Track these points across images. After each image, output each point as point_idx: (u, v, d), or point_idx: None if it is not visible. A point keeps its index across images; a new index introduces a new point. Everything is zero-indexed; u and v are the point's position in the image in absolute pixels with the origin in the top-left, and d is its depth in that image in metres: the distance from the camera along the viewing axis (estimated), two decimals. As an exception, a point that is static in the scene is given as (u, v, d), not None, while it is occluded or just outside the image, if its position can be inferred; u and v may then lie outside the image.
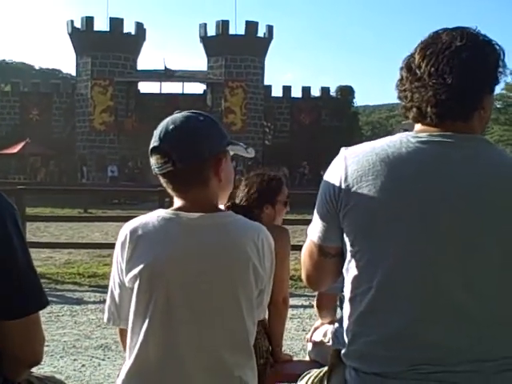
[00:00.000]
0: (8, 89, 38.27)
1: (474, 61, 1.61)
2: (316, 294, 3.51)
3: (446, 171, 1.58)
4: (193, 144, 1.75)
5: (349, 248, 1.66)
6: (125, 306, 1.80)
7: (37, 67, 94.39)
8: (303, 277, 1.88)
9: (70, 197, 18.29)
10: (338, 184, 1.65)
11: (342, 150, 1.72)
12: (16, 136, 33.52)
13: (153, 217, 1.78)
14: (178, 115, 1.81)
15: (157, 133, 1.78)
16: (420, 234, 1.57)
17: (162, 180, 1.80)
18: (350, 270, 1.67)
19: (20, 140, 33.09)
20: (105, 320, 1.90)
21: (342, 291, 3.43)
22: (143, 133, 33.61)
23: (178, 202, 1.81)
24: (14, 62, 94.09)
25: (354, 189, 1.62)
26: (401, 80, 1.70)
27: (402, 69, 1.70)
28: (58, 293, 8.17)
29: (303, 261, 1.84)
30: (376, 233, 1.60)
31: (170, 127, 1.76)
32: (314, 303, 3.49)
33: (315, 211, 1.75)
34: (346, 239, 1.67)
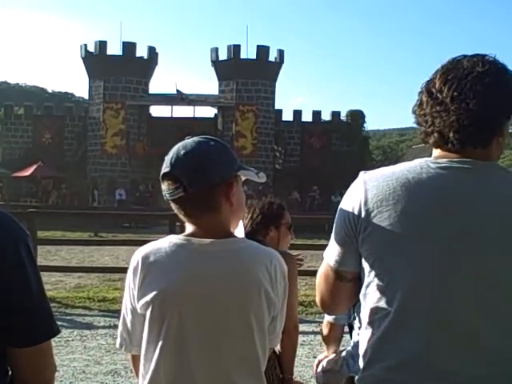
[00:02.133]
0: (21, 112, 38.57)
1: (496, 87, 1.62)
2: (324, 321, 3.50)
3: (466, 197, 1.59)
4: (204, 169, 1.76)
5: (367, 273, 1.66)
6: (137, 332, 1.80)
7: (50, 90, 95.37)
8: (317, 300, 1.88)
9: (81, 220, 18.36)
10: (357, 208, 1.65)
11: (361, 173, 1.72)
12: (28, 159, 33.74)
13: (165, 243, 1.78)
14: (188, 141, 1.81)
15: (168, 158, 1.79)
16: (438, 259, 1.57)
17: (174, 206, 1.81)
18: (368, 295, 1.67)
19: (32, 163, 33.27)
20: (117, 345, 1.91)
21: (349, 321, 3.41)
22: (154, 156, 33.76)
23: (189, 228, 1.81)
24: (27, 86, 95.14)
25: (374, 213, 1.62)
26: (420, 104, 1.70)
27: (421, 93, 1.70)
28: (68, 317, 8.18)
29: (318, 284, 1.84)
30: (395, 258, 1.61)
31: (181, 153, 1.76)
32: (322, 332, 3.48)
33: (332, 235, 1.75)
34: (365, 264, 1.67)
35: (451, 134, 1.61)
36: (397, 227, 1.59)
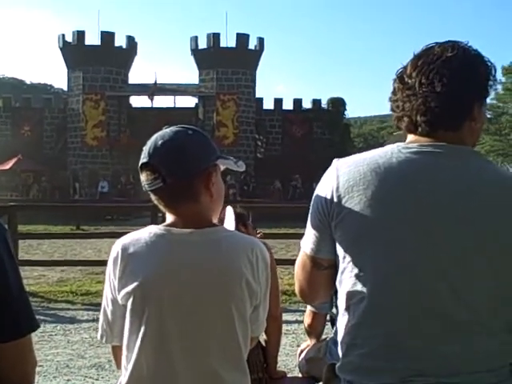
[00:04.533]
0: (-1, 104, 38.18)
1: (464, 70, 1.64)
2: (306, 311, 3.52)
3: (436, 181, 1.60)
4: (181, 159, 1.75)
5: (341, 259, 1.67)
6: (118, 323, 1.80)
7: (28, 82, 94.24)
8: (296, 290, 1.89)
9: (63, 213, 18.25)
10: (329, 194, 1.67)
11: (334, 161, 1.74)
12: (8, 152, 33.38)
13: (144, 233, 1.78)
14: (166, 130, 1.80)
15: (146, 149, 1.78)
16: (410, 243, 1.58)
17: (153, 196, 1.80)
18: (344, 281, 1.68)
19: (12, 156, 32.98)
20: (98, 337, 1.90)
21: (331, 309, 3.44)
22: (135, 147, 33.39)
23: (169, 218, 1.81)
24: (5, 77, 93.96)
25: (345, 199, 1.63)
26: (393, 91, 1.73)
27: (394, 80, 1.73)
28: (51, 312, 8.14)
29: (296, 273, 1.85)
30: (368, 243, 1.62)
31: (159, 143, 1.76)
32: (304, 322, 3.50)
33: (308, 223, 1.76)
34: (339, 250, 1.68)
35: (418, 117, 1.64)
36: (367, 212, 1.60)
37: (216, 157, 1.84)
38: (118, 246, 1.78)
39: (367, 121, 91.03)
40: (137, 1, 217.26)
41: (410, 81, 1.66)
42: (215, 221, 1.90)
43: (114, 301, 1.78)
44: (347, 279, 1.65)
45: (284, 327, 6.25)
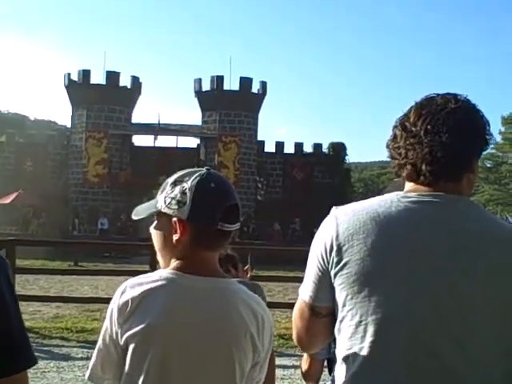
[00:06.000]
0: (3, 139, 38.34)
1: (467, 123, 1.67)
2: (304, 356, 3.50)
3: (435, 231, 1.60)
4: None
5: (340, 307, 1.66)
6: (113, 365, 1.76)
7: (32, 118, 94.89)
8: (294, 337, 1.88)
9: (61, 249, 18.20)
10: (329, 242, 1.67)
11: (333, 209, 1.74)
12: (10, 186, 33.42)
13: (154, 276, 1.75)
14: (216, 173, 1.86)
15: (224, 188, 1.82)
16: (409, 294, 1.57)
17: (211, 238, 1.79)
18: (342, 329, 1.67)
19: (13, 190, 33.01)
20: (86, 377, 1.84)
21: (329, 356, 3.41)
22: (137, 185, 33.83)
23: (181, 262, 1.77)
24: (9, 113, 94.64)
25: (345, 247, 1.64)
26: (394, 138, 1.74)
27: (395, 127, 1.74)
28: (45, 348, 8.04)
29: (294, 321, 1.83)
30: (367, 292, 1.61)
31: (233, 188, 1.87)
32: (302, 367, 3.48)
33: (306, 270, 1.76)
34: (338, 298, 1.67)
35: (424, 166, 1.65)
36: (368, 261, 1.60)
37: None
38: (126, 289, 1.75)
39: (367, 166, 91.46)
40: (143, 43, 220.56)
41: (414, 129, 1.68)
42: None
43: (114, 344, 1.75)
44: (346, 328, 1.65)
45: (280, 372, 6.21)
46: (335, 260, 1.65)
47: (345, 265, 1.63)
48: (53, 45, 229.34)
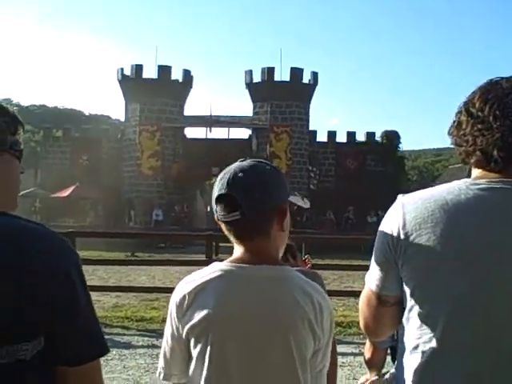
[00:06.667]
0: (59, 134, 39.28)
1: None
2: (366, 344, 3.48)
3: (506, 220, 1.55)
4: (262, 193, 1.73)
5: (409, 297, 1.64)
6: (178, 360, 1.79)
7: (87, 113, 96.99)
8: (361, 325, 1.87)
9: (119, 240, 18.55)
10: (396, 231, 1.64)
11: (399, 196, 1.71)
12: (67, 180, 34.27)
13: (211, 269, 1.76)
14: (244, 163, 1.79)
15: (223, 179, 1.76)
16: (479, 285, 1.54)
17: (225, 227, 1.78)
18: (411, 319, 1.65)
19: (70, 184, 33.80)
20: (157, 375, 1.89)
21: (392, 344, 3.36)
22: (190, 177, 34.18)
23: (237, 252, 1.79)
24: (65, 108, 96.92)
25: (412, 236, 1.61)
26: (458, 125, 1.69)
27: (459, 114, 1.70)
28: (107, 336, 7.99)
29: (361, 308, 1.82)
30: (437, 281, 1.58)
31: (239, 175, 1.74)
32: (364, 355, 3.46)
33: (372, 259, 1.74)
34: (406, 288, 1.65)
35: (495, 152, 1.59)
36: (437, 250, 1.57)
37: (289, 193, 1.85)
38: (183, 286, 1.77)
39: (422, 153, 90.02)
40: (194, 36, 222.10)
41: (480, 114, 1.63)
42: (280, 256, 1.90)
43: (176, 339, 1.77)
44: (415, 318, 1.63)
45: (339, 359, 6.19)
46: (403, 249, 1.63)
47: (412, 254, 1.61)
48: (106, 40, 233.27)
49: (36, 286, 1.40)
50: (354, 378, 6.11)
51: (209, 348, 1.70)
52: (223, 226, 1.80)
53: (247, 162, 1.80)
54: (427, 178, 53.67)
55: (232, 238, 1.81)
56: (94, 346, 1.52)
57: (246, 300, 1.72)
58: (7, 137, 1.54)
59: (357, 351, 7.25)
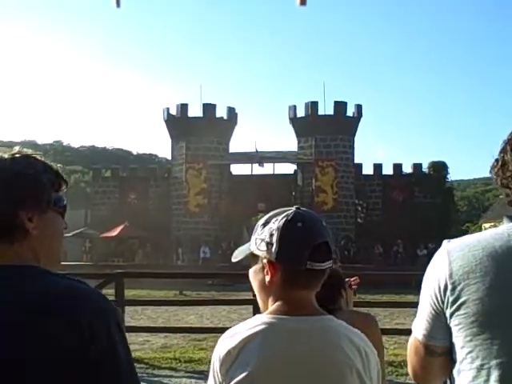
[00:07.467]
0: (108, 174, 40.18)
1: None
2: None
3: None
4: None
5: (459, 348, 1.58)
6: None
7: (134, 153, 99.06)
8: (409, 372, 1.83)
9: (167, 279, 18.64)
10: (443, 281, 1.59)
11: (444, 243, 1.66)
12: (115, 219, 34.84)
13: (253, 323, 1.73)
14: (308, 210, 1.81)
15: (314, 226, 1.75)
16: None
17: (293, 275, 1.73)
18: (463, 372, 1.58)
19: (119, 223, 34.34)
20: None
21: None
22: (236, 214, 34.32)
23: (279, 303, 1.75)
24: (113, 149, 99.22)
25: (461, 286, 1.55)
26: (503, 165, 1.63)
27: (503, 152, 1.64)
28: (155, 378, 8.22)
29: (409, 356, 1.78)
30: (488, 334, 1.52)
31: (323, 224, 1.77)
32: None
33: (419, 307, 1.70)
34: (456, 339, 1.59)
35: None
36: (486, 302, 1.51)
37: None
38: (226, 339, 1.73)
39: (471, 183, 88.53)
40: (237, 73, 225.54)
41: None
42: None
43: None
44: (467, 371, 1.57)
45: (392, 401, 6.01)
46: (450, 300, 1.57)
47: (462, 304, 1.55)
48: (151, 81, 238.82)
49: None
50: (408, 423, 5.91)
51: None
52: (284, 274, 1.73)
53: (307, 210, 1.81)
54: (478, 208, 52.66)
55: (287, 286, 1.74)
56: None
57: (292, 355, 1.68)
58: (51, 194, 1.55)
59: (410, 393, 7.02)
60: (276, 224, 1.75)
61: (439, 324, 1.63)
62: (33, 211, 1.50)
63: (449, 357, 1.65)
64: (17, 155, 1.54)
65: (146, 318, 14.90)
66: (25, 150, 1.59)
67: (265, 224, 1.79)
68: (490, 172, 1.69)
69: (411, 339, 1.77)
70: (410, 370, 1.82)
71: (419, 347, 1.71)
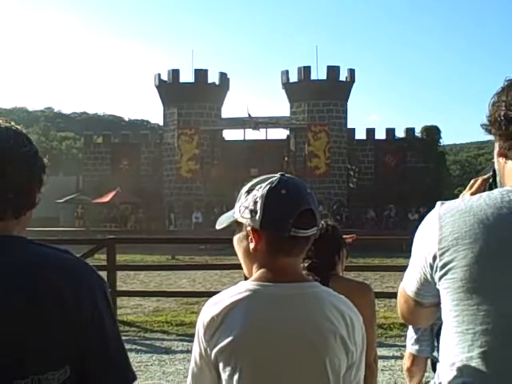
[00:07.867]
0: (100, 141, 39.97)
1: None
2: (406, 352, 3.39)
3: None
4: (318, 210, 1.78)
5: (447, 311, 1.59)
6: (206, 382, 1.76)
7: (126, 119, 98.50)
8: (399, 313, 1.87)
9: (159, 244, 18.71)
10: (432, 245, 1.59)
11: (437, 205, 1.65)
12: (108, 186, 34.83)
13: (238, 289, 1.73)
14: (291, 177, 1.77)
15: (296, 193, 1.72)
16: None
17: (279, 242, 1.71)
18: (448, 334, 1.59)
19: (111, 189, 34.34)
20: None
21: (432, 353, 3.27)
22: (228, 179, 34.30)
23: (263, 270, 1.74)
24: (105, 115, 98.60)
25: (449, 252, 1.55)
26: (506, 125, 1.59)
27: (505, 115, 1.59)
28: (147, 341, 8.29)
29: (399, 302, 1.82)
30: (474, 300, 1.51)
31: (308, 191, 1.74)
32: (404, 364, 3.37)
33: (410, 264, 1.71)
34: (443, 301, 1.60)
35: None
36: (474, 269, 1.50)
37: None
38: (210, 306, 1.73)
39: (464, 147, 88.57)
40: (229, 38, 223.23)
41: None
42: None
43: (205, 360, 1.73)
44: (452, 334, 1.57)
45: (380, 363, 6.07)
46: (439, 264, 1.57)
47: (450, 269, 1.55)
48: (143, 46, 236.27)
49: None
50: (395, 383, 5.99)
51: (238, 370, 1.67)
52: (268, 241, 1.72)
53: (292, 176, 1.78)
54: (470, 172, 52.79)
55: (271, 254, 1.73)
56: (119, 378, 1.51)
57: (276, 321, 1.69)
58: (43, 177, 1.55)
59: (398, 354, 7.10)
60: (260, 191, 1.73)
61: (428, 284, 1.64)
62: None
63: (437, 307, 1.67)
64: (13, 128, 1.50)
65: (138, 283, 14.99)
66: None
67: (249, 191, 1.77)
68: (486, 129, 1.66)
69: (401, 289, 1.78)
70: (398, 311, 1.86)
71: (409, 300, 1.75)
